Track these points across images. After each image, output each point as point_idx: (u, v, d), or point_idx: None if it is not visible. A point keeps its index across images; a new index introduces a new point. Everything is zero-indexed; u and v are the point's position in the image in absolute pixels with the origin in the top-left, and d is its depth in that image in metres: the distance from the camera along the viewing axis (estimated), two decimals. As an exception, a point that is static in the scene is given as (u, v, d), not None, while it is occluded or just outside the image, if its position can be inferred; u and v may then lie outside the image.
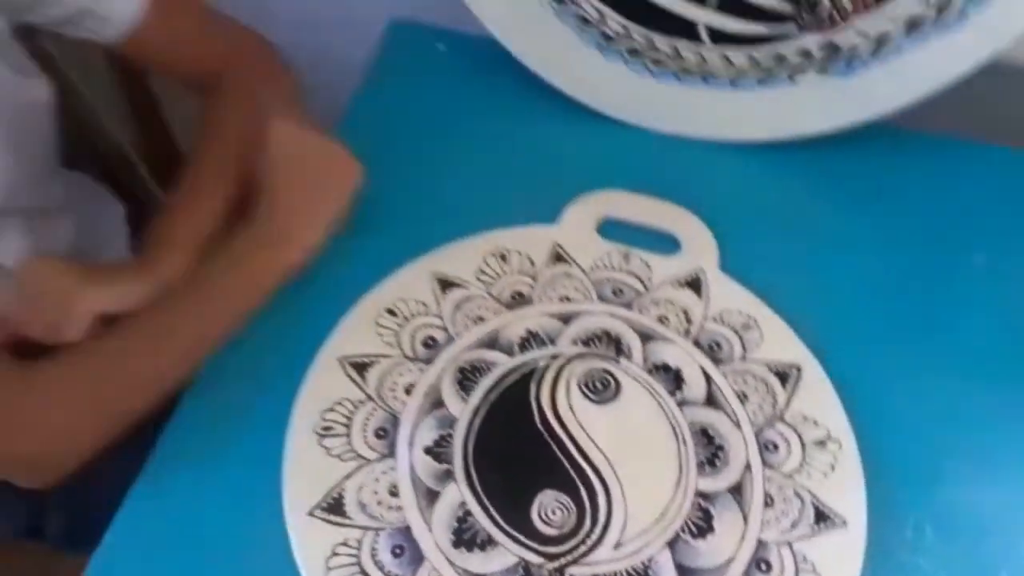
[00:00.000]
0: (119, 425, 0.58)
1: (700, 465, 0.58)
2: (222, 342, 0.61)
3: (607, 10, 0.72)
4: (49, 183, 0.73)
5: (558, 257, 0.68)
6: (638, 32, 0.72)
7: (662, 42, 0.73)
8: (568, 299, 0.65)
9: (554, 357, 0.62)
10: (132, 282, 0.61)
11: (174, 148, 1.09)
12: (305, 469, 0.57)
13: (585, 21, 0.73)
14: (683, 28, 0.72)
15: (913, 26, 0.67)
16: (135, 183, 1.01)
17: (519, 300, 0.65)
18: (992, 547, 0.57)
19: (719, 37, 0.71)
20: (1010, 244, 0.71)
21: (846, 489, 0.57)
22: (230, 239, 0.62)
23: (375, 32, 0.83)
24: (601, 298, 0.66)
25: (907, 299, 0.67)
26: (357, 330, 0.63)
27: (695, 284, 0.66)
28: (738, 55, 0.72)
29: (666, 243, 0.69)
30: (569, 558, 0.54)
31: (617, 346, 0.63)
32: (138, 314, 0.60)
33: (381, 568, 0.53)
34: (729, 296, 0.66)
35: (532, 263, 0.67)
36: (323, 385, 0.61)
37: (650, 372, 0.62)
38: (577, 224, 0.70)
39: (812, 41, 0.70)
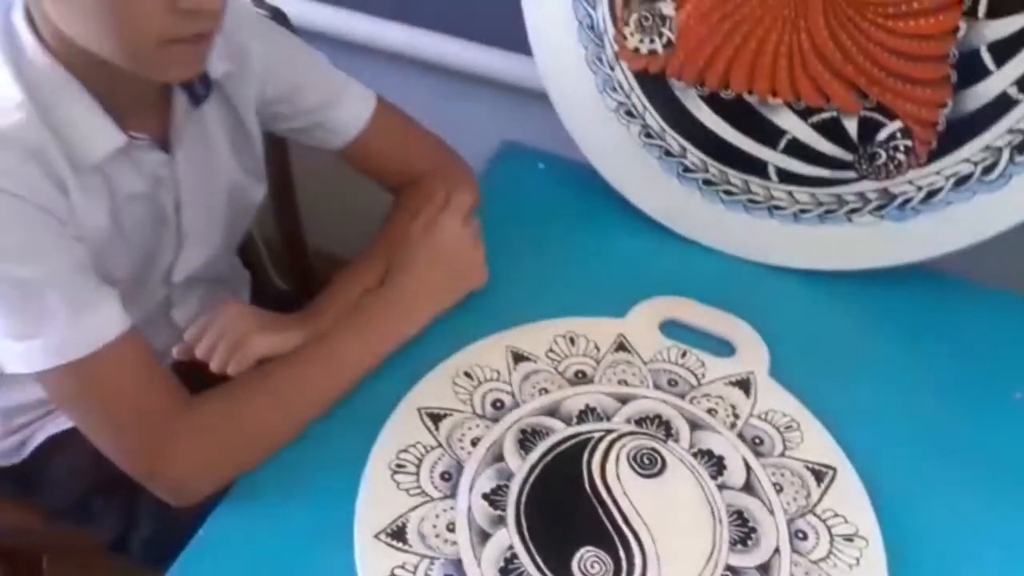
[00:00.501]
0: (261, 455, 0.67)
1: (732, 543, 0.62)
2: (346, 391, 0.71)
3: (688, 146, 0.83)
4: (231, 258, 0.87)
5: (621, 346, 0.76)
6: (714, 166, 0.83)
7: (735, 176, 0.83)
8: (626, 383, 0.73)
9: (608, 431, 0.69)
10: (292, 337, 0.73)
11: (302, 244, 1.22)
12: (376, 498, 0.64)
13: (668, 153, 0.85)
14: (755, 166, 0.82)
15: (960, 182, 0.75)
16: (254, 259, 1.15)
17: (581, 378, 0.73)
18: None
19: (786, 176, 0.81)
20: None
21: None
22: (363, 302, 0.75)
23: (489, 149, 0.97)
24: (656, 386, 0.73)
25: (943, 420, 0.71)
26: (436, 386, 0.72)
27: (745, 385, 0.73)
28: (802, 193, 0.81)
29: (722, 347, 0.76)
30: (600, 607, 0.59)
31: (667, 429, 0.69)
32: (280, 364, 0.71)
33: None
34: (775, 399, 0.72)
35: (597, 348, 0.75)
36: (401, 429, 0.69)
37: (695, 456, 0.68)
38: (642, 321, 0.78)
39: (869, 187, 0.79)
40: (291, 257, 1.21)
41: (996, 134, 0.72)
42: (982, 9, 0.69)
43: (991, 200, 0.74)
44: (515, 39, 0.94)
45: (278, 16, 0.89)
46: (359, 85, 0.83)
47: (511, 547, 0.61)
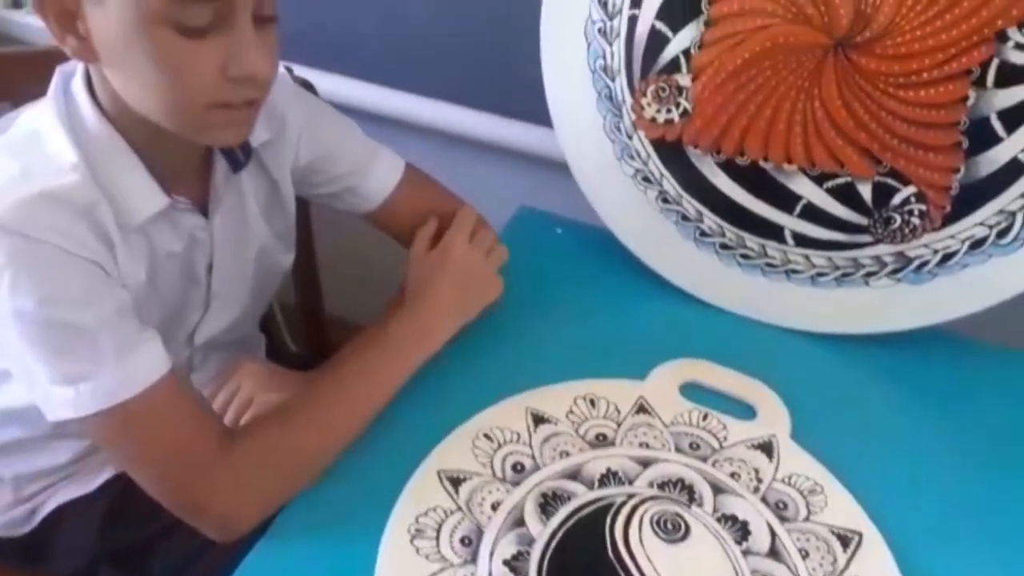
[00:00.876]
0: (306, 479, 0.68)
1: (760, 610, 0.61)
2: (381, 407, 0.72)
3: (705, 211, 0.85)
4: (252, 326, 0.88)
5: (642, 408, 0.76)
6: (731, 231, 0.84)
7: (752, 241, 0.84)
8: (647, 446, 0.72)
9: (630, 496, 0.68)
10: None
11: (320, 310, 1.24)
12: (396, 564, 0.63)
13: (685, 218, 0.86)
14: (771, 231, 0.83)
15: (976, 245, 0.76)
16: (270, 323, 1.16)
17: (602, 441, 0.73)
18: None
19: (802, 240, 0.82)
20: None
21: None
22: (384, 327, 0.76)
23: (506, 215, 0.98)
24: (678, 449, 0.72)
25: (968, 484, 0.70)
26: (456, 449, 0.71)
27: (767, 448, 0.72)
28: (819, 257, 0.82)
29: (743, 410, 0.75)
30: None
31: (690, 493, 0.69)
32: (315, 386, 0.72)
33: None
34: (798, 462, 0.71)
35: (618, 411, 0.75)
36: (421, 493, 0.68)
37: (719, 520, 0.67)
38: (662, 383, 0.78)
39: (885, 251, 0.79)
40: (308, 323, 1.22)
41: (1009, 198, 0.73)
42: (990, 79, 0.70)
43: (1007, 262, 0.75)
44: (533, 111, 0.98)
45: (306, 87, 0.92)
46: (388, 151, 0.86)
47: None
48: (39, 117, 0.67)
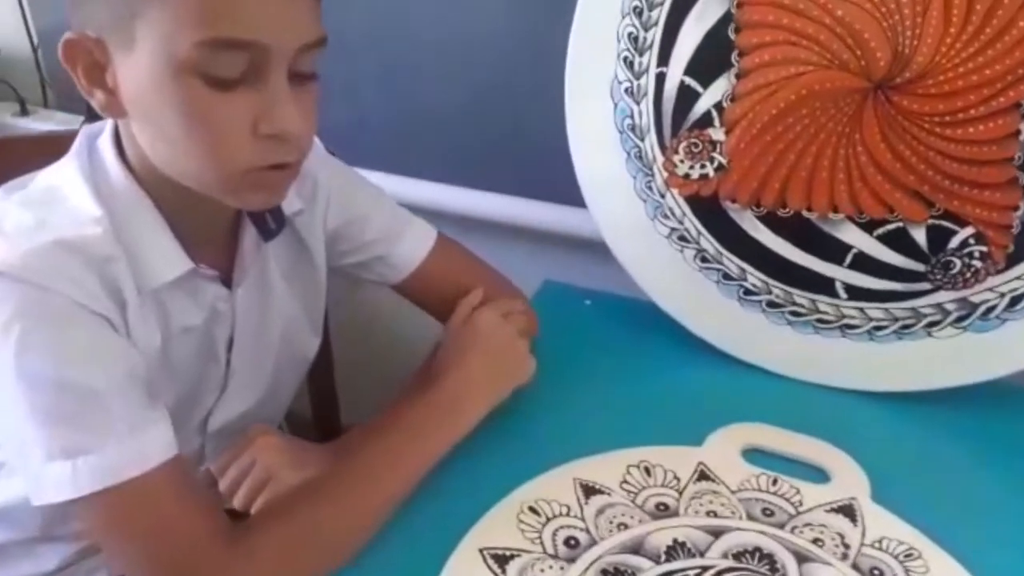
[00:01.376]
0: (330, 566, 0.59)
1: None
2: (408, 493, 0.64)
3: (748, 267, 0.80)
4: (270, 418, 0.82)
5: (703, 475, 0.68)
6: (777, 287, 0.79)
7: (801, 296, 0.79)
8: (715, 514, 0.64)
9: (704, 568, 0.59)
10: (320, 469, 0.66)
11: (335, 412, 1.17)
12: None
13: (727, 277, 0.81)
14: (821, 284, 0.78)
15: (1046, 285, 0.71)
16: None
17: (664, 511, 0.64)
18: None
19: (856, 293, 0.77)
20: None
21: None
22: (409, 404, 0.68)
23: (531, 288, 0.94)
24: (751, 517, 0.64)
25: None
26: (500, 524, 0.63)
27: (849, 511, 0.64)
28: (875, 309, 0.77)
29: (813, 474, 0.68)
30: None
31: (771, 563, 0.60)
32: (339, 470, 0.64)
33: None
34: (887, 525, 0.63)
35: (677, 479, 0.67)
36: (463, 572, 0.59)
37: (807, 591, 0.58)
38: (721, 448, 0.70)
39: (946, 297, 0.75)
40: (321, 426, 1.15)
41: (1077, 233, 0.70)
42: (1043, 110, 0.68)
43: (1082, 304, 0.70)
44: (552, 189, 0.96)
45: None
46: (420, 219, 0.82)
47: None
48: (60, 173, 0.63)
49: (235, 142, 0.56)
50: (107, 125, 0.64)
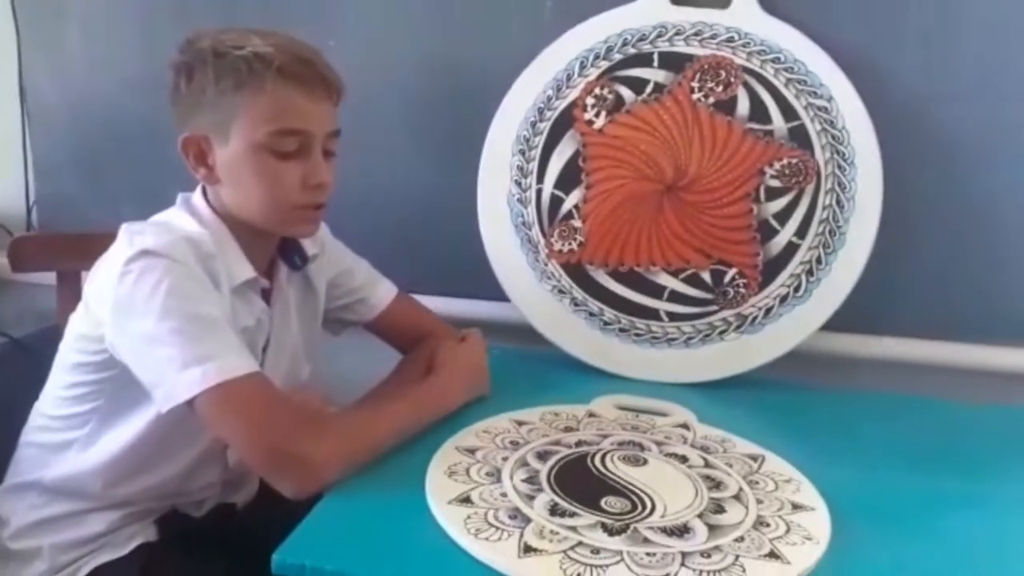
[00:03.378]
0: (370, 457, 0.87)
1: (709, 488, 0.85)
2: (410, 435, 0.93)
3: (604, 307, 1.20)
4: None
5: (592, 414, 1.03)
6: (624, 318, 1.19)
7: (639, 322, 1.19)
8: (602, 430, 0.98)
9: (599, 449, 0.92)
10: None
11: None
12: (441, 490, 0.83)
13: (591, 314, 1.21)
14: (651, 313, 1.20)
15: (783, 300, 1.15)
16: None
17: (570, 430, 0.98)
18: None
19: (673, 316, 1.19)
20: None
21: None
22: (423, 380, 1.02)
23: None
24: (624, 429, 0.98)
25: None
26: (463, 438, 0.94)
27: (684, 426, 1.01)
28: (686, 326, 1.18)
29: (658, 416, 1.05)
30: (630, 518, 0.78)
31: (640, 447, 0.94)
32: (372, 409, 0.95)
33: (502, 525, 0.76)
34: (706, 430, 0.99)
35: (576, 417, 1.02)
36: (445, 457, 0.90)
37: (667, 456, 0.92)
38: (603, 404, 1.06)
39: (729, 314, 1.17)
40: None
41: (793, 266, 1.15)
42: (763, 196, 1.16)
43: (803, 309, 1.14)
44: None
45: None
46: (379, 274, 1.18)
47: (551, 501, 0.81)
48: (168, 215, 0.97)
49: (291, 190, 0.93)
50: (198, 189, 0.98)
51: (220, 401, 0.83)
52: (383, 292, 1.16)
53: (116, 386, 0.92)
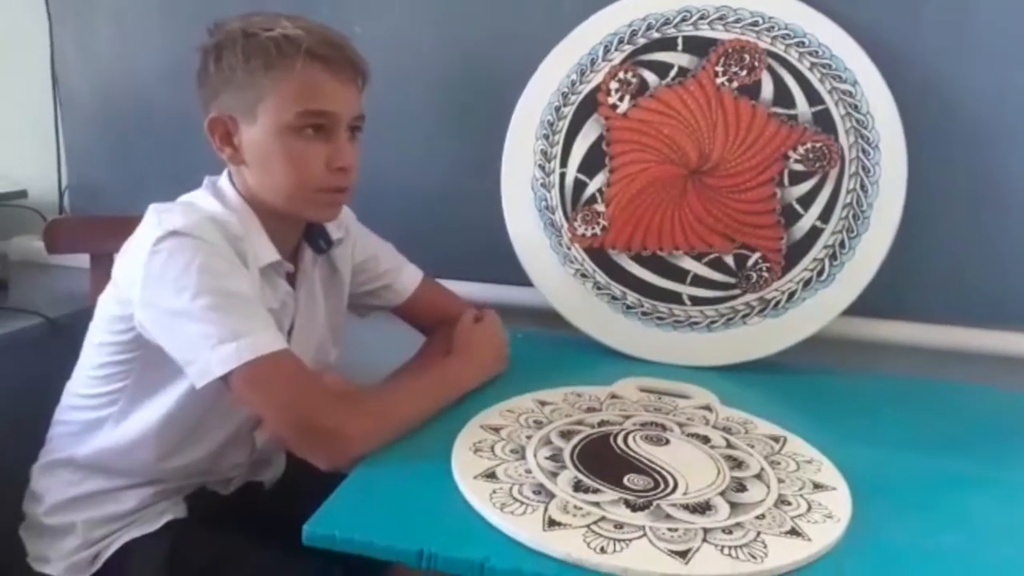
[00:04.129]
0: (397, 434, 0.89)
1: (731, 468, 0.86)
2: (433, 414, 0.95)
3: (627, 291, 1.21)
4: None
5: (614, 396, 1.04)
6: (647, 302, 1.20)
7: (662, 306, 1.20)
8: (625, 411, 0.99)
9: (623, 429, 0.94)
10: None
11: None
12: (467, 466, 0.84)
13: (614, 298, 1.21)
14: (673, 297, 1.20)
15: (806, 284, 1.15)
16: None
17: (592, 411, 0.99)
18: None
19: (696, 300, 1.19)
20: None
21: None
22: (443, 360, 1.04)
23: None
24: (647, 411, 0.99)
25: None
26: (487, 418, 0.96)
27: (707, 408, 1.02)
28: (709, 310, 1.18)
29: (681, 399, 1.05)
30: (653, 495, 0.79)
31: (663, 428, 0.95)
32: (400, 389, 0.98)
33: (526, 499, 0.77)
34: (730, 412, 1.00)
35: (598, 398, 1.03)
36: (471, 435, 0.91)
37: (688, 436, 0.93)
38: (625, 385, 1.07)
39: (751, 298, 1.17)
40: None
41: (816, 250, 1.15)
42: (786, 180, 1.16)
43: (827, 293, 1.15)
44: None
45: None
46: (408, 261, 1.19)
47: (575, 478, 0.82)
48: (194, 197, 0.98)
49: (315, 171, 0.94)
50: (224, 173, 1.00)
51: (255, 376, 0.85)
52: (408, 277, 1.17)
53: (144, 365, 0.95)
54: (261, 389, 0.86)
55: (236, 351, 0.84)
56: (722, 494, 0.81)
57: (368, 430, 0.87)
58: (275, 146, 0.93)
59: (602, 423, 0.96)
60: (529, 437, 0.91)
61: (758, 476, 0.85)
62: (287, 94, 0.91)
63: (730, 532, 0.75)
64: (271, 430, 0.99)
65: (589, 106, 1.22)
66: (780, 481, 0.84)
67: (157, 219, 0.90)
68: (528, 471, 0.84)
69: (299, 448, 0.87)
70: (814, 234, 1.17)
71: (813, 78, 1.15)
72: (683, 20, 1.19)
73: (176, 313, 0.86)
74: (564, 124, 1.23)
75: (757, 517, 0.77)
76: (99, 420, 0.98)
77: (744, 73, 1.17)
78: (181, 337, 0.86)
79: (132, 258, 0.90)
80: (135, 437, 0.97)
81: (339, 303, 1.12)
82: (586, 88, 1.22)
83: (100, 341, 0.97)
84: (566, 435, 0.92)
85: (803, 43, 1.15)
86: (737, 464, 0.88)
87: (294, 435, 0.86)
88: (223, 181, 0.99)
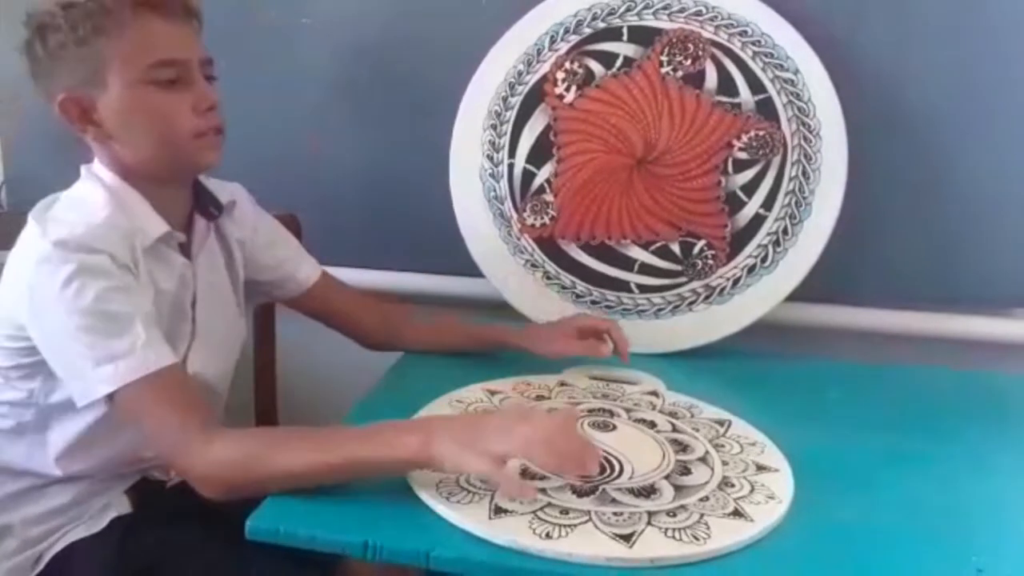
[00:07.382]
0: (255, 488, 0.80)
1: (675, 451, 0.87)
2: (343, 475, 0.81)
3: (576, 280, 1.22)
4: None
5: (563, 383, 1.05)
6: (595, 291, 1.21)
7: (611, 295, 1.21)
8: (573, 398, 1.00)
9: (570, 417, 0.94)
10: None
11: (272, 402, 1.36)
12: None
13: (563, 287, 1.22)
14: (622, 286, 1.21)
15: (750, 270, 1.17)
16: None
17: (541, 399, 1.00)
18: None
19: (643, 288, 1.20)
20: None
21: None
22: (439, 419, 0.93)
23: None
24: (595, 397, 1.00)
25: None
26: (437, 407, 0.95)
27: (654, 393, 1.03)
28: (656, 298, 1.20)
29: (628, 386, 1.07)
30: (599, 480, 0.80)
31: (611, 414, 0.96)
32: (294, 436, 0.87)
33: (473, 488, 0.78)
34: (676, 397, 1.01)
35: (547, 386, 1.04)
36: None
37: (635, 422, 0.94)
38: (574, 373, 1.08)
39: (697, 285, 1.19)
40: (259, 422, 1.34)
41: (760, 237, 1.17)
42: (730, 168, 1.18)
43: (770, 279, 1.17)
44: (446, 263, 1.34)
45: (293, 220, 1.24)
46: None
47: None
48: (76, 189, 0.94)
49: (184, 119, 0.91)
50: (95, 160, 0.95)
51: (132, 398, 0.83)
52: (309, 268, 1.15)
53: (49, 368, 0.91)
54: (135, 413, 0.84)
55: (114, 373, 0.82)
56: (667, 477, 0.83)
57: (220, 479, 0.81)
58: (136, 104, 0.90)
59: (551, 411, 0.96)
60: (478, 426, 0.92)
61: (702, 459, 0.87)
62: (129, 52, 0.89)
63: (674, 515, 0.76)
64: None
65: (536, 96, 1.23)
66: (724, 463, 0.86)
67: (41, 229, 0.87)
68: (474, 461, 0.84)
69: None
70: (758, 221, 1.19)
71: (756, 67, 1.17)
72: (628, 10, 1.20)
73: (58, 331, 0.84)
74: (512, 114, 1.24)
75: (701, 499, 0.79)
76: (20, 426, 0.95)
77: (688, 63, 1.18)
78: (63, 355, 0.85)
79: (18, 269, 0.88)
80: (57, 435, 0.95)
81: (237, 278, 1.09)
82: (533, 78, 1.23)
83: (2, 345, 0.93)
84: (514, 424, 0.93)
85: (745, 32, 1.17)
86: (682, 448, 0.89)
87: (168, 463, 0.85)
88: (96, 166, 0.95)
